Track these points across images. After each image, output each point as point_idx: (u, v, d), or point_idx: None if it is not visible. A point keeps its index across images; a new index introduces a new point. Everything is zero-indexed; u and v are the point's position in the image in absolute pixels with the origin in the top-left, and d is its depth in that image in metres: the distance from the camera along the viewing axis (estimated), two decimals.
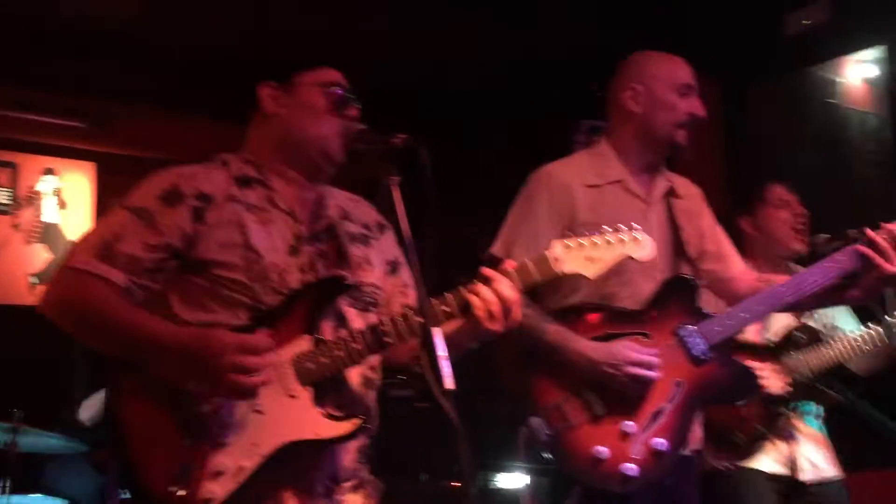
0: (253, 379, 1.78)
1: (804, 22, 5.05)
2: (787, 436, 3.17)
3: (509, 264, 1.90)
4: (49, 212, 5.84)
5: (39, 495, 4.22)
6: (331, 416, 1.87)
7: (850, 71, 6.57)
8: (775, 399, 3.12)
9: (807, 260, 3.22)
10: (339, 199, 2.16)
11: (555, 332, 2.41)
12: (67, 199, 5.91)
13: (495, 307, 1.83)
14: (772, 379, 3.12)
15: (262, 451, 1.81)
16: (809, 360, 3.13)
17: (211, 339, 1.79)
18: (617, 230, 1.94)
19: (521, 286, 1.89)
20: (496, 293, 1.84)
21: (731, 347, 2.49)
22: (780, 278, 2.67)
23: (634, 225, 1.96)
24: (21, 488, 3.97)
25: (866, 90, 6.67)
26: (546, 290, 2.56)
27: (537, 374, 2.44)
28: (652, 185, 2.66)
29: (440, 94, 5.31)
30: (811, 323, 3.26)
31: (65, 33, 4.99)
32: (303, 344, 1.88)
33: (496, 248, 2.60)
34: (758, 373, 2.97)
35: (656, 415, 2.38)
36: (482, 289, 1.85)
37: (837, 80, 6.50)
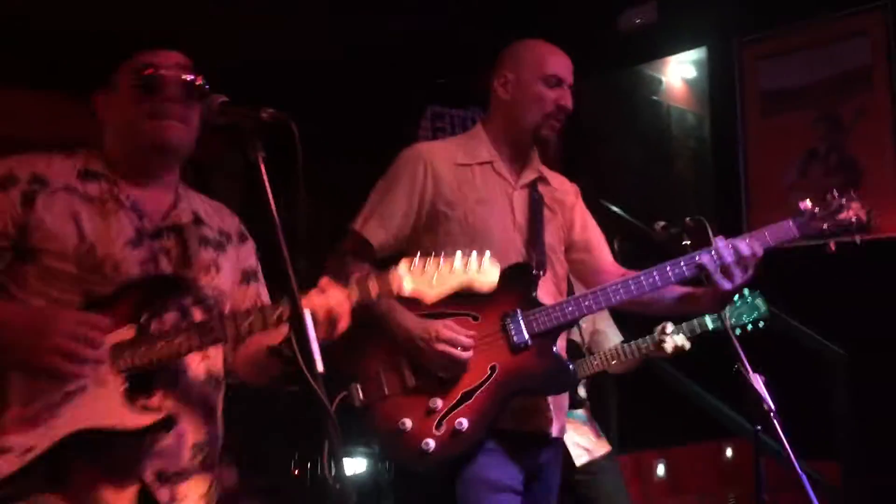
0: (73, 367, 1.72)
1: (636, 20, 5.29)
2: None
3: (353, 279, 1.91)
4: None
5: None
6: (138, 408, 1.80)
7: (672, 70, 7.00)
8: None
9: (644, 247, 3.41)
10: (194, 203, 2.07)
11: (385, 303, 2.41)
12: None
13: (322, 315, 1.82)
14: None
15: (54, 434, 1.73)
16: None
17: (46, 317, 1.71)
18: (465, 255, 1.96)
19: (357, 300, 1.90)
20: (326, 302, 1.84)
21: (553, 341, 2.50)
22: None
23: (487, 253, 1.97)
24: None
25: (686, 89, 7.13)
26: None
27: (365, 344, 2.46)
28: (522, 171, 2.71)
29: (290, 75, 5.18)
30: (575, 336, 3.51)
31: None
32: (126, 332, 1.81)
33: (356, 223, 2.59)
34: None
35: (466, 395, 2.42)
36: (315, 297, 1.84)
37: (662, 78, 6.91)
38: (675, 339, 3.41)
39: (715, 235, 2.63)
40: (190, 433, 1.91)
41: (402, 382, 2.44)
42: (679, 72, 7.05)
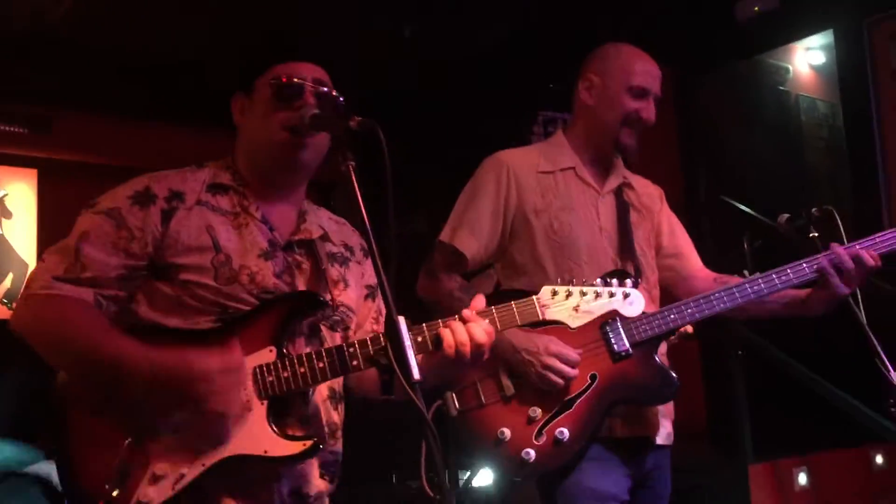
0: (231, 399, 1.74)
1: (755, 9, 5.08)
2: None
3: (483, 309, 1.85)
4: None
5: None
6: (285, 435, 1.80)
7: (799, 58, 6.68)
8: None
9: (773, 239, 3.24)
10: (320, 218, 2.08)
11: None
12: (11, 207, 5.72)
13: (465, 349, 1.77)
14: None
15: (205, 461, 1.75)
16: None
17: (190, 368, 1.72)
18: (609, 284, 1.89)
19: (500, 328, 1.86)
20: (470, 335, 1.78)
21: (654, 349, 2.43)
22: (735, 279, 2.65)
23: (628, 281, 1.91)
24: None
25: (815, 77, 6.78)
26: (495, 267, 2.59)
27: None
28: (606, 177, 2.65)
29: (383, 87, 5.24)
30: None
31: (5, 38, 4.83)
32: (266, 355, 1.81)
33: (444, 234, 2.59)
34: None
35: (566, 404, 2.37)
36: (457, 327, 1.79)
37: (788, 66, 6.59)
38: None
39: (844, 227, 2.52)
40: (319, 454, 1.89)
41: (500, 391, 2.41)
42: (806, 58, 6.72)
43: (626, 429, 2.44)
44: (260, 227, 1.93)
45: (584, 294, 1.86)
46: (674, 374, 2.44)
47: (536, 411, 2.37)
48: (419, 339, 1.79)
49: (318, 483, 1.92)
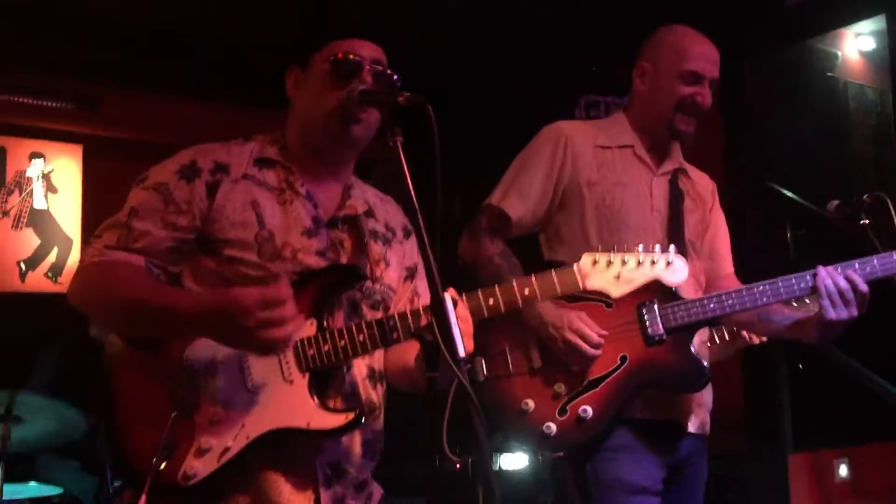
0: (282, 331, 1.68)
1: None
2: None
3: (527, 282, 1.82)
4: (38, 196, 5.74)
5: (34, 483, 4.16)
6: (326, 407, 1.81)
7: (848, 44, 6.53)
8: None
9: (818, 228, 3.20)
10: (366, 194, 2.08)
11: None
12: (56, 183, 5.81)
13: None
14: None
15: (249, 433, 1.76)
16: None
17: (231, 301, 1.68)
18: (651, 251, 1.85)
19: (539, 298, 1.84)
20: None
21: (689, 338, 2.41)
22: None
23: (672, 247, 1.87)
24: (15, 478, 3.90)
25: (864, 63, 6.63)
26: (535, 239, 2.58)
27: (492, 321, 2.43)
28: (662, 160, 2.62)
29: (420, 66, 5.22)
30: None
31: (52, 15, 4.90)
32: (308, 328, 1.82)
33: (493, 197, 2.58)
34: None
35: (592, 382, 2.36)
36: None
37: (837, 52, 6.46)
38: None
39: None
40: (360, 431, 1.91)
41: (528, 362, 2.41)
42: (856, 45, 6.57)
43: (654, 412, 2.42)
44: (304, 204, 1.93)
45: (625, 262, 1.83)
46: (706, 365, 2.42)
47: (562, 387, 2.37)
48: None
49: (359, 460, 1.93)
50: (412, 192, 1.64)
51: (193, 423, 1.77)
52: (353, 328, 1.81)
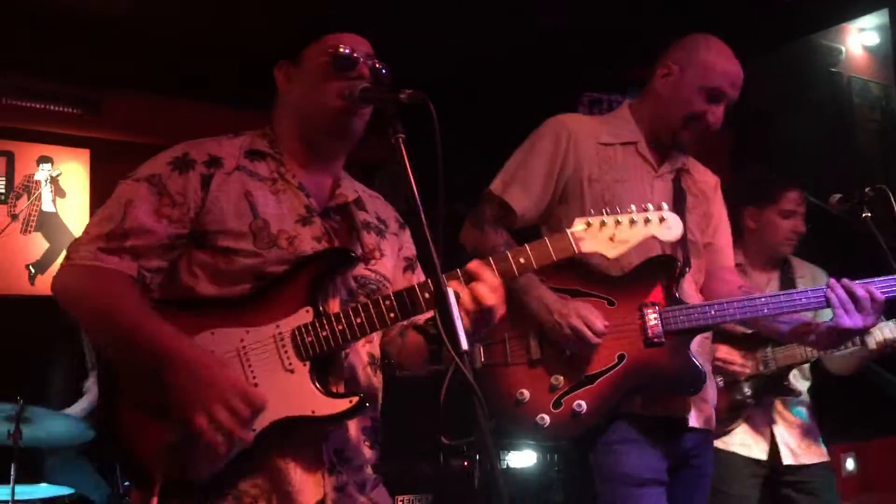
0: (240, 432, 1.70)
1: None
2: (769, 421, 3.25)
3: (520, 251, 1.80)
4: (46, 200, 5.79)
5: (45, 484, 4.19)
6: (329, 393, 1.81)
7: (852, 39, 6.52)
8: (739, 387, 3.19)
9: (825, 222, 3.21)
10: (355, 186, 2.10)
11: (524, 277, 2.36)
12: (64, 186, 5.85)
13: (470, 316, 1.75)
14: (739, 367, 3.17)
15: (256, 425, 1.76)
16: (778, 355, 3.16)
17: (221, 374, 1.71)
18: (643, 209, 1.84)
19: (535, 266, 1.82)
20: (477, 297, 1.75)
21: (688, 341, 2.42)
22: (759, 292, 2.66)
23: (664, 204, 1.86)
24: (25, 479, 3.93)
25: (868, 58, 6.62)
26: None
27: None
28: (665, 158, 2.62)
29: (431, 67, 5.23)
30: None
31: (60, 21, 4.93)
32: (304, 316, 1.82)
33: (494, 186, 2.58)
34: (729, 359, 2.99)
35: (589, 378, 2.37)
36: (462, 294, 1.75)
37: (841, 47, 6.45)
38: (882, 331, 3.14)
39: None
40: (360, 418, 1.93)
41: (527, 353, 2.42)
42: (859, 39, 6.56)
43: (654, 407, 2.43)
44: (297, 194, 1.95)
45: (618, 223, 1.82)
46: (703, 370, 2.42)
47: (559, 380, 2.38)
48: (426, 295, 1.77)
49: (360, 447, 1.94)
50: (414, 188, 1.65)
51: (198, 423, 1.74)
52: (350, 311, 1.81)
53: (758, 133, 5.66)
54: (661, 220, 1.84)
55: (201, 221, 1.86)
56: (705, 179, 2.72)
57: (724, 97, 2.50)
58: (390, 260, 2.08)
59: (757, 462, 3.21)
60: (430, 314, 1.83)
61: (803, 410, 3.34)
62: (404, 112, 1.72)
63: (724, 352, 3.14)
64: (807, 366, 3.35)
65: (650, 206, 1.85)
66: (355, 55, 1.93)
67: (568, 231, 1.82)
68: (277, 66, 2.03)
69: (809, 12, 5.25)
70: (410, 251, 2.15)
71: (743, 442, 3.21)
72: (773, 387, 3.20)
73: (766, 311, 2.42)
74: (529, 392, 2.39)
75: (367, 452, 1.97)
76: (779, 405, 3.29)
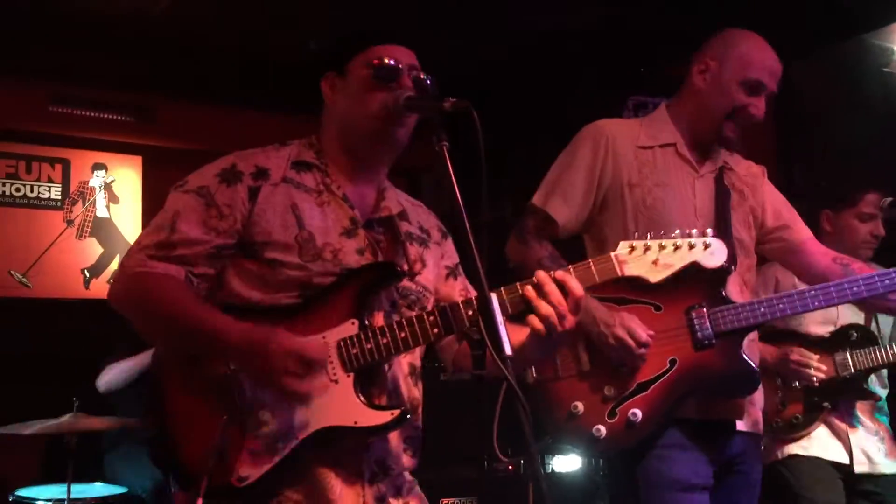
0: (303, 386, 1.77)
1: None
2: (848, 426, 3.19)
3: (567, 271, 1.82)
4: (100, 206, 5.94)
5: (100, 483, 4.30)
6: (371, 405, 1.84)
7: None
8: (816, 391, 3.15)
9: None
10: (399, 197, 2.12)
11: None
12: (118, 192, 6.00)
13: (563, 308, 1.76)
14: (816, 371, 3.11)
15: (298, 434, 1.80)
16: (857, 359, 3.12)
17: (272, 339, 1.76)
18: (688, 235, 1.85)
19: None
20: (567, 287, 1.77)
21: (739, 341, 2.39)
22: (858, 265, 2.61)
23: (709, 231, 1.86)
24: (82, 477, 4.03)
25: None
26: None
27: None
28: (706, 157, 2.59)
29: (468, 68, 5.24)
30: (879, 324, 3.28)
31: (115, 30, 5.06)
32: (349, 328, 1.85)
33: (536, 198, 2.58)
34: (804, 362, 2.96)
35: (641, 386, 2.35)
36: (548, 286, 1.77)
37: (894, 47, 6.32)
38: None
39: None
40: (402, 428, 1.94)
41: (577, 365, 2.41)
42: None
43: (706, 412, 2.41)
44: (342, 206, 1.98)
45: (662, 247, 1.82)
46: (756, 369, 2.39)
47: (611, 390, 2.37)
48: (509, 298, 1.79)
49: (401, 457, 1.96)
50: (458, 195, 1.67)
51: (244, 425, 1.81)
52: (395, 325, 1.84)
53: (806, 134, 5.57)
54: (706, 246, 1.85)
55: (248, 233, 1.90)
56: (749, 171, 2.68)
57: (765, 89, 2.48)
58: (432, 271, 2.09)
59: (838, 465, 3.16)
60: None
61: (886, 418, 3.28)
62: (450, 119, 1.74)
63: (799, 354, 3.11)
64: (885, 372, 3.30)
65: (694, 232, 1.86)
66: (399, 66, 1.95)
67: (612, 255, 1.83)
68: (324, 77, 2.06)
69: (861, 11, 5.16)
70: (452, 259, 2.17)
71: (823, 445, 3.17)
72: (850, 391, 3.15)
73: (815, 304, 2.39)
74: (583, 404, 2.38)
75: (408, 462, 1.99)
76: (859, 410, 3.23)
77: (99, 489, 4.18)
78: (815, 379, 3.11)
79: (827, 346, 3.18)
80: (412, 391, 2.00)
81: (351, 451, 1.87)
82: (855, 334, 3.18)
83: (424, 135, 1.81)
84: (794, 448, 3.17)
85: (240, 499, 1.81)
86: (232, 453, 1.80)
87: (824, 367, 3.12)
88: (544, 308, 1.76)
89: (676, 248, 1.83)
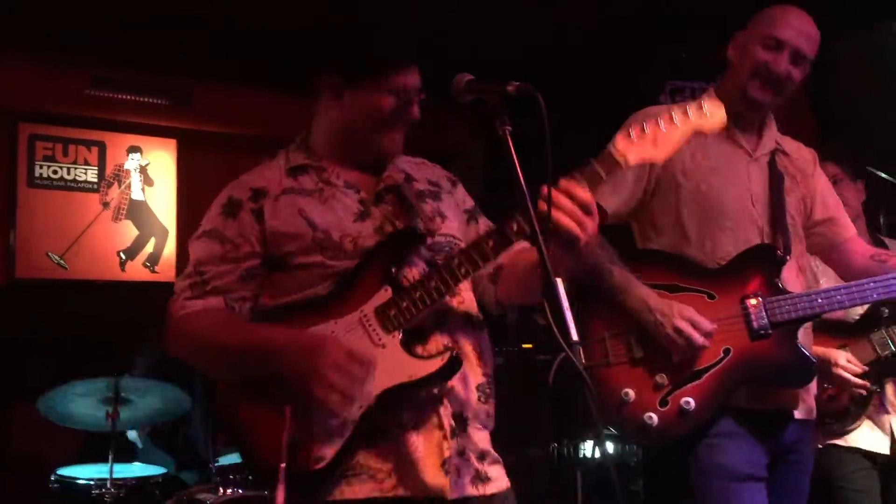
0: (350, 389, 1.80)
1: None
2: (883, 411, 3.14)
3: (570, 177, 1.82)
4: (136, 189, 5.98)
5: (139, 464, 4.35)
6: (421, 357, 1.87)
7: None
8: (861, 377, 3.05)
9: None
10: (398, 164, 2.12)
11: (620, 274, 2.38)
12: (153, 175, 6.03)
13: (575, 214, 1.76)
14: (857, 358, 3.03)
15: (361, 403, 1.83)
16: (893, 336, 3.04)
17: (326, 341, 1.83)
18: (679, 105, 1.84)
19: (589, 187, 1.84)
20: (572, 195, 1.77)
21: (795, 332, 2.35)
22: (894, 260, 2.57)
23: (705, 95, 1.84)
24: (120, 459, 4.07)
25: None
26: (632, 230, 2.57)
27: (590, 308, 2.42)
28: (758, 141, 2.56)
29: (508, 58, 5.21)
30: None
31: (150, 14, 5.07)
32: (384, 295, 1.89)
33: None
34: (851, 370, 2.91)
35: (695, 374, 2.32)
36: (557, 198, 1.75)
37: None
38: None
39: None
40: (471, 375, 1.97)
41: (628, 351, 2.38)
42: None
43: (761, 401, 2.38)
44: (346, 193, 2.01)
45: (658, 125, 1.85)
46: (814, 360, 2.37)
47: (664, 378, 2.34)
48: (515, 228, 1.80)
49: (476, 404, 1.98)
50: (521, 179, 1.67)
51: (309, 409, 1.83)
52: (423, 279, 1.87)
53: (844, 117, 5.50)
54: (699, 108, 1.86)
55: (269, 250, 1.97)
56: (801, 156, 2.64)
57: (786, 46, 2.42)
58: (454, 219, 2.10)
59: (876, 455, 3.12)
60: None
61: None
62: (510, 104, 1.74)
63: (846, 359, 3.00)
64: None
65: (686, 103, 1.87)
66: (410, 95, 1.98)
67: (609, 147, 1.84)
68: (324, 75, 2.03)
69: None
70: (468, 203, 2.19)
71: (864, 436, 3.12)
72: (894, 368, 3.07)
73: (875, 296, 2.36)
74: (634, 391, 2.35)
75: (483, 407, 2.00)
76: (891, 392, 3.16)
77: (139, 469, 4.23)
78: (860, 391, 3.02)
79: (860, 328, 3.10)
80: (476, 338, 2.01)
81: (425, 406, 1.89)
82: (887, 311, 3.09)
83: (464, 116, 1.77)
84: (834, 440, 3.14)
85: (322, 480, 1.85)
86: (304, 440, 1.83)
87: (863, 351, 3.02)
88: (563, 219, 1.75)
89: (671, 122, 1.86)
